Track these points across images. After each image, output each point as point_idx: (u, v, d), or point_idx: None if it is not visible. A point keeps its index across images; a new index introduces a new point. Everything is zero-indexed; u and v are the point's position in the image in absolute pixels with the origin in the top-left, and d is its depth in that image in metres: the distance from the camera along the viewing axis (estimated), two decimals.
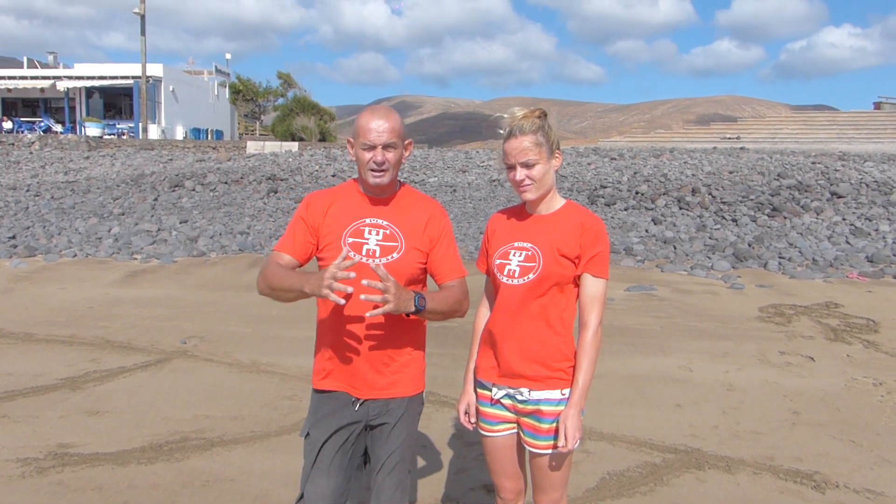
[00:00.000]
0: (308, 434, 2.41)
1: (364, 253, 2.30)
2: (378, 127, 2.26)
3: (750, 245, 11.66)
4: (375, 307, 2.11)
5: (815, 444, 4.27)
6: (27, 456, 3.99)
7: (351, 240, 2.31)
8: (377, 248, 2.31)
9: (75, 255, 10.92)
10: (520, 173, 2.33)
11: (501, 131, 2.37)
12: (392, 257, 2.31)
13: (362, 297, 2.14)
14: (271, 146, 33.18)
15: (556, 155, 2.38)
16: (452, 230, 2.48)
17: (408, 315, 2.20)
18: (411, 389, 2.42)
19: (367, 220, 2.34)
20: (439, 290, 2.40)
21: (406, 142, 2.36)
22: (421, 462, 4.00)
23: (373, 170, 2.29)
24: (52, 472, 3.80)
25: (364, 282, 2.09)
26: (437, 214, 2.42)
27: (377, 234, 2.33)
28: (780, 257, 10.76)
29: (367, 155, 2.28)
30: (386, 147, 2.27)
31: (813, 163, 22.10)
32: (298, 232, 2.36)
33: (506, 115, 2.37)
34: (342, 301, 2.06)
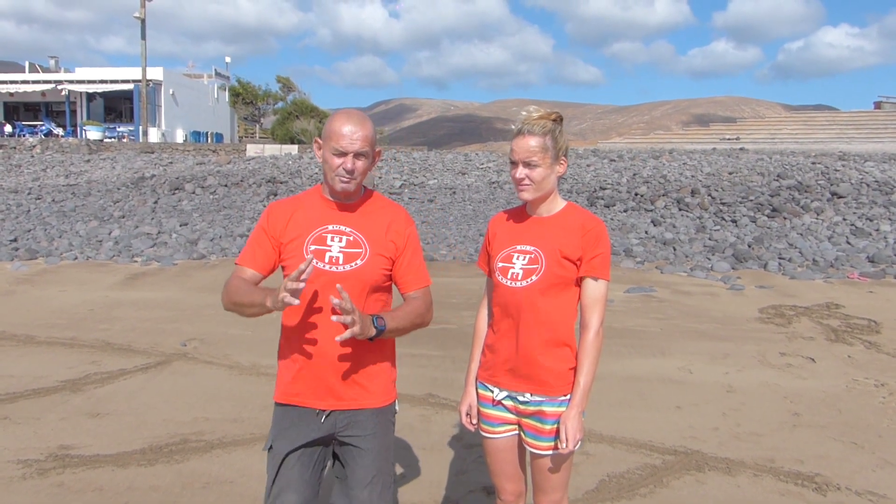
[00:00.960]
0: (271, 447, 2.32)
1: (327, 260, 2.23)
2: (352, 134, 2.20)
3: (750, 246, 11.66)
4: (344, 327, 2.07)
5: (816, 446, 4.27)
6: (28, 457, 4.00)
7: (313, 247, 2.24)
8: (340, 255, 2.24)
9: (76, 258, 10.93)
10: (520, 172, 2.34)
11: (514, 127, 2.38)
12: (356, 264, 2.24)
13: (333, 318, 2.07)
14: (271, 149, 33.20)
15: (562, 161, 2.38)
16: (418, 238, 2.43)
17: (371, 339, 2.16)
18: (381, 400, 2.34)
19: (330, 227, 2.28)
20: (402, 303, 2.34)
21: (376, 150, 2.32)
22: (420, 464, 4.00)
23: (341, 177, 2.23)
24: (52, 474, 3.80)
25: (334, 301, 2.03)
26: (401, 221, 2.36)
27: (340, 240, 2.26)
28: (780, 258, 10.76)
29: (337, 161, 2.22)
30: (357, 155, 2.22)
31: (813, 163, 22.11)
32: (259, 244, 2.30)
33: (523, 113, 2.37)
34: (296, 301, 1.99)
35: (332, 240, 2.26)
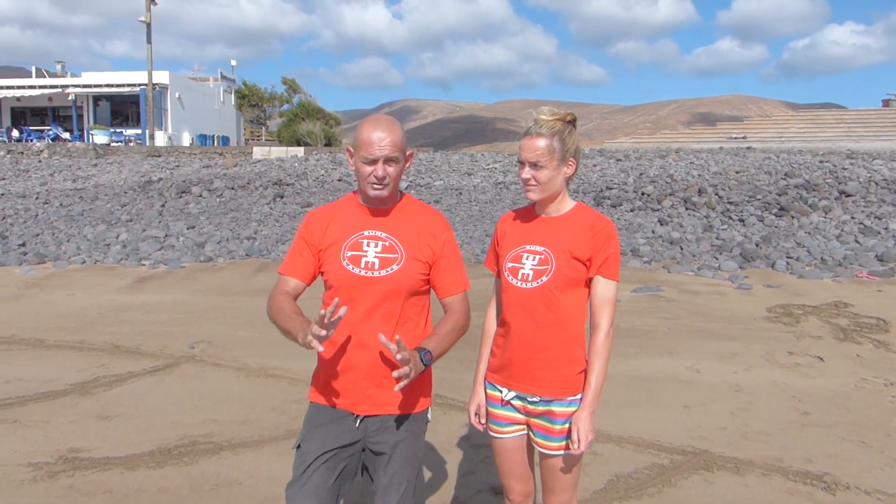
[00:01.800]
0: (300, 446, 2.31)
1: (363, 266, 2.25)
2: (380, 140, 2.20)
3: (757, 245, 11.61)
4: (398, 377, 2.06)
5: (824, 445, 4.25)
6: (38, 460, 4.02)
7: (350, 253, 2.27)
8: (376, 261, 2.25)
9: (84, 262, 10.99)
10: (526, 172, 2.35)
11: (523, 125, 2.38)
12: (391, 269, 2.25)
13: (394, 374, 2.04)
14: (277, 151, 33.29)
15: (570, 163, 2.37)
16: (456, 242, 2.42)
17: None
18: (415, 406, 2.33)
19: (366, 233, 2.29)
20: (442, 318, 2.32)
21: (407, 154, 2.31)
22: (428, 465, 4.00)
23: (373, 183, 2.24)
24: (62, 477, 3.82)
25: (382, 338, 2.07)
26: (438, 225, 2.36)
27: (376, 245, 2.28)
28: (787, 257, 10.71)
29: (368, 169, 2.22)
30: (388, 161, 2.22)
31: (821, 161, 22.01)
32: (300, 253, 2.33)
33: (539, 115, 2.37)
34: (320, 348, 2.04)
35: (368, 245, 2.27)
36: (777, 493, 3.66)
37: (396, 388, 2.06)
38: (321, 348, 2.03)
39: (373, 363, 2.25)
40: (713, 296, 8.55)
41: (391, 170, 2.23)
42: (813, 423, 4.62)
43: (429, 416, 2.41)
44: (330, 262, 2.29)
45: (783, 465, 3.98)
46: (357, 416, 2.28)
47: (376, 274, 2.24)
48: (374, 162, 2.21)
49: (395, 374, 2.03)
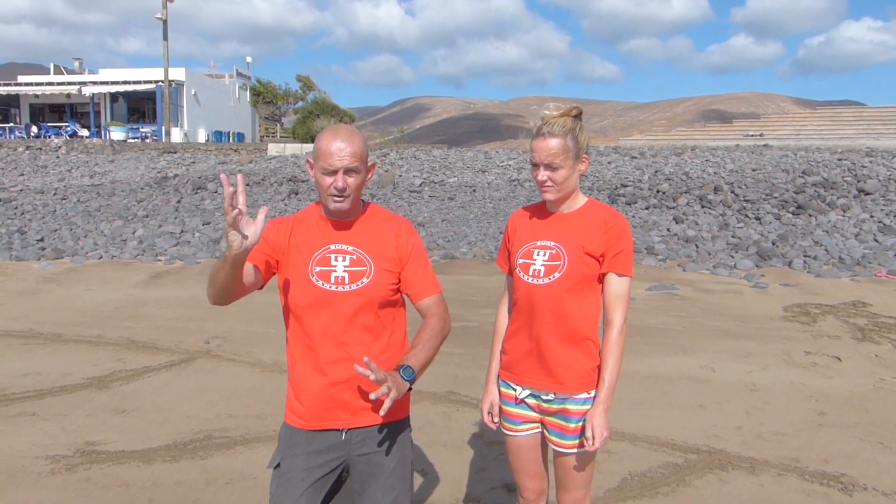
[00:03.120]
0: (279, 465, 2.22)
1: (333, 280, 2.17)
2: (339, 150, 2.11)
3: (774, 243, 11.51)
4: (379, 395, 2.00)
5: (842, 446, 4.21)
6: (56, 453, 4.07)
7: (318, 268, 2.18)
8: (346, 275, 2.18)
9: (101, 257, 11.09)
10: (542, 174, 2.31)
11: (533, 126, 2.36)
12: (362, 283, 2.19)
13: (372, 396, 1.98)
14: (292, 148, 33.41)
15: (584, 159, 2.35)
16: (423, 246, 2.37)
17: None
18: (397, 413, 2.27)
19: (332, 247, 2.21)
20: (420, 327, 2.29)
21: (369, 164, 2.24)
22: (441, 462, 4.00)
23: (333, 195, 2.15)
24: (80, 470, 3.87)
25: (357, 368, 1.98)
26: (404, 231, 2.30)
27: (344, 259, 2.20)
28: (805, 256, 10.61)
29: (328, 180, 2.13)
30: (347, 171, 2.13)
31: (839, 159, 21.78)
32: (257, 255, 2.19)
33: (544, 112, 2.34)
34: (243, 242, 1.96)
35: (336, 259, 2.20)
36: (793, 494, 3.63)
37: (381, 411, 2.00)
38: (244, 240, 1.96)
39: (352, 376, 2.16)
40: (729, 294, 8.49)
41: (351, 181, 2.14)
42: (830, 423, 4.57)
43: (410, 421, 2.37)
44: (297, 279, 2.19)
45: (799, 465, 3.94)
46: (341, 430, 2.22)
47: (347, 288, 2.17)
48: (333, 173, 2.13)
49: (371, 395, 1.97)
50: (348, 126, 2.25)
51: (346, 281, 2.18)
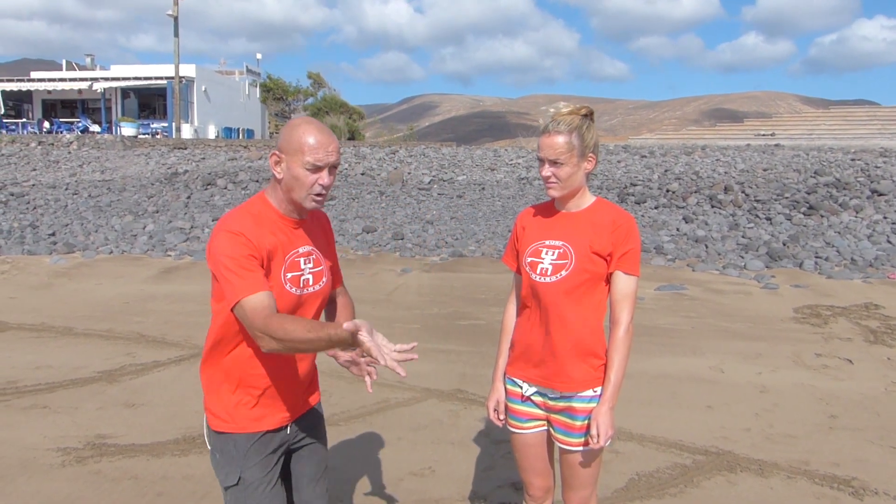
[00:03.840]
0: (239, 480, 2.10)
1: (301, 285, 2.10)
2: (328, 145, 1.98)
3: (785, 244, 11.44)
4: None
5: (853, 450, 4.18)
6: (67, 445, 4.10)
7: (290, 274, 2.07)
8: (311, 277, 2.13)
9: (111, 252, 11.15)
10: (546, 170, 2.33)
11: (542, 121, 2.37)
12: (322, 283, 2.17)
13: (368, 382, 2.15)
14: None
15: (590, 158, 2.36)
16: None
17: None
18: (317, 396, 2.37)
19: (301, 250, 2.12)
20: (339, 303, 2.41)
21: None
22: (449, 460, 4.01)
23: (318, 194, 2.02)
24: (90, 462, 3.89)
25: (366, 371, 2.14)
26: (329, 224, 2.34)
27: (308, 261, 2.13)
28: (816, 257, 10.54)
29: (313, 177, 1.99)
30: (332, 168, 2.03)
31: (852, 159, 21.63)
32: (256, 268, 1.96)
33: (552, 109, 2.37)
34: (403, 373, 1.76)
35: (305, 263, 2.13)
36: (803, 497, 3.61)
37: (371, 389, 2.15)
38: (403, 373, 1.74)
39: (309, 372, 2.25)
40: (738, 295, 8.45)
41: (332, 179, 2.04)
42: (841, 426, 4.55)
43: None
44: (272, 287, 2.03)
45: (809, 468, 3.92)
46: (289, 424, 2.21)
47: (311, 290, 2.14)
48: (320, 169, 1.99)
49: (370, 389, 2.16)
50: (318, 121, 2.13)
51: (311, 283, 2.14)
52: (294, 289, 2.07)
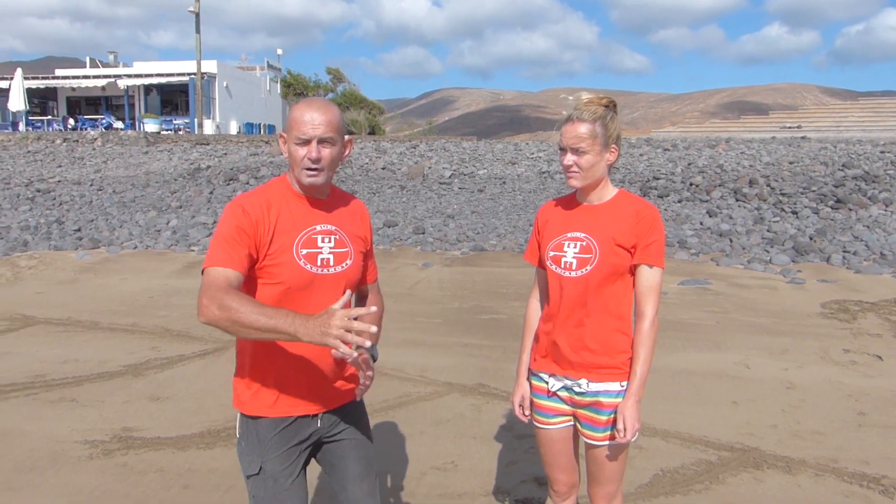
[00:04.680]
0: (260, 470, 2.11)
1: (319, 263, 2.08)
2: (313, 119, 2.01)
3: (811, 238, 11.26)
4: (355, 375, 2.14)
5: (882, 447, 4.11)
6: (94, 438, 4.16)
7: (304, 251, 2.07)
8: (331, 257, 2.10)
9: (136, 247, 11.29)
10: (568, 158, 2.31)
11: (565, 113, 2.35)
12: (346, 264, 2.13)
13: (358, 388, 2.10)
14: None
15: (612, 149, 2.33)
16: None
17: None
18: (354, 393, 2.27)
19: (318, 227, 2.11)
20: (363, 296, 2.37)
21: (346, 139, 2.15)
22: (471, 454, 4.00)
23: (308, 168, 2.04)
24: (117, 455, 3.95)
25: (337, 354, 1.82)
26: (367, 214, 2.31)
27: (329, 240, 2.11)
28: (844, 251, 10.36)
29: (302, 151, 2.03)
30: (322, 141, 2.03)
31: (882, 152, 21.21)
32: (240, 244, 1.98)
33: (571, 97, 2.35)
34: (352, 355, 1.78)
35: (323, 241, 2.11)
36: (831, 495, 3.55)
37: (357, 397, 2.11)
38: (352, 355, 1.78)
39: (329, 361, 2.13)
40: (763, 290, 8.33)
41: (326, 152, 2.04)
42: (870, 423, 4.47)
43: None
44: (282, 262, 2.04)
45: (838, 465, 3.86)
46: (317, 414, 2.17)
47: (332, 271, 2.10)
48: (307, 143, 2.03)
49: (358, 396, 2.12)
50: (323, 98, 2.23)
51: (332, 263, 2.11)
52: (310, 266, 2.07)
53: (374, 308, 1.88)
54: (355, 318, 1.74)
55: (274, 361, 2.09)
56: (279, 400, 2.11)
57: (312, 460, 2.27)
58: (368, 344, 1.74)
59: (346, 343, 1.72)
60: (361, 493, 2.24)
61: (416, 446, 4.09)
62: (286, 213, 2.08)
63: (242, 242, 1.99)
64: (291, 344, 2.01)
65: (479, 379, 5.21)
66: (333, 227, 2.14)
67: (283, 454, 2.11)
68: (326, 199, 2.17)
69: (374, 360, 2.17)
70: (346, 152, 2.17)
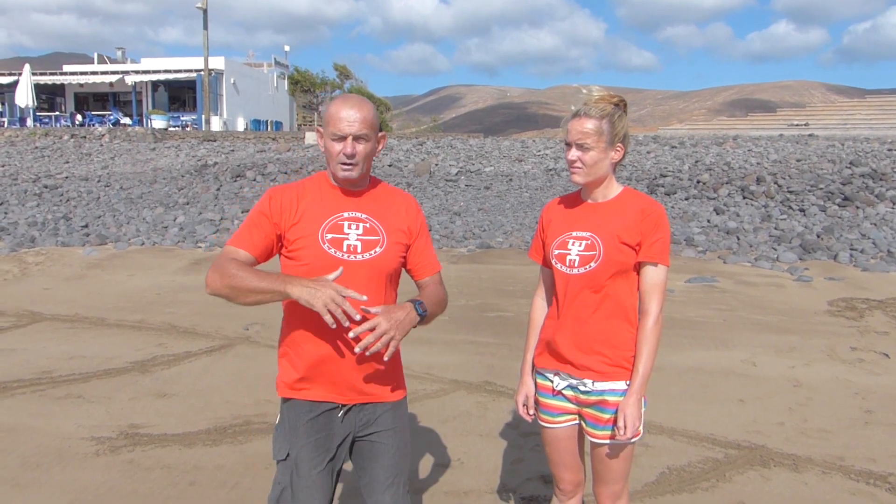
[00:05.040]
0: (287, 456, 2.18)
1: (345, 249, 2.14)
2: (349, 116, 2.10)
3: (819, 236, 11.21)
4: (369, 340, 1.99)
5: (889, 445, 4.09)
6: (101, 435, 4.18)
7: (329, 235, 2.14)
8: (358, 244, 2.15)
9: (143, 244, 11.33)
10: (573, 154, 2.30)
11: (573, 107, 2.33)
12: (375, 252, 2.16)
13: (357, 349, 2.00)
14: None
15: (618, 148, 2.32)
16: (427, 224, 2.38)
17: (415, 325, 2.10)
18: (397, 394, 2.28)
19: (346, 214, 2.18)
20: (420, 289, 2.30)
21: (380, 134, 2.22)
22: (477, 452, 4.00)
23: (342, 163, 2.13)
24: (124, 451, 3.96)
25: (351, 334, 1.98)
26: (414, 207, 2.32)
27: (357, 227, 2.17)
28: (851, 249, 10.31)
29: (337, 146, 2.12)
30: (357, 138, 2.11)
31: (889, 150, 21.09)
32: (258, 228, 2.15)
33: (584, 91, 2.33)
34: (333, 324, 1.90)
35: (350, 227, 2.17)
36: (838, 493, 3.54)
37: (386, 357, 2.03)
38: (333, 324, 1.89)
39: (355, 352, 2.08)
40: (771, 287, 8.30)
41: (360, 147, 2.13)
42: (877, 421, 4.44)
43: (407, 403, 2.37)
44: (306, 245, 2.14)
45: (845, 463, 3.84)
46: (342, 405, 2.19)
47: (359, 258, 2.14)
48: (342, 139, 2.12)
49: (356, 348, 1.99)
50: (359, 95, 2.26)
51: (359, 250, 2.15)
52: (335, 250, 2.13)
53: (365, 297, 1.96)
54: (347, 299, 1.88)
55: (304, 349, 2.17)
56: (306, 382, 2.18)
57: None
58: (346, 324, 1.91)
59: (332, 314, 1.89)
60: (385, 501, 2.24)
61: (422, 444, 4.09)
62: (316, 200, 2.19)
63: (261, 226, 2.15)
64: (320, 333, 2.11)
65: (485, 376, 5.21)
66: (363, 216, 2.20)
67: (311, 444, 2.17)
68: (362, 190, 2.25)
69: (422, 316, 2.12)
70: (380, 147, 2.25)
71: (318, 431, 2.18)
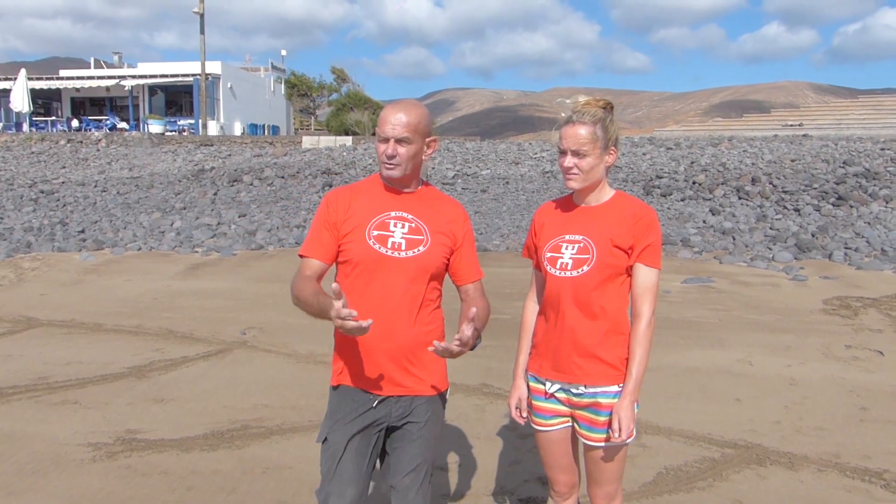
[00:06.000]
0: (326, 439, 2.33)
1: (389, 246, 2.26)
2: (393, 120, 2.23)
3: (813, 235, 11.25)
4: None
5: (884, 442, 4.11)
6: (98, 441, 4.17)
7: (376, 232, 2.27)
8: (403, 241, 2.27)
9: (140, 249, 11.32)
10: (568, 160, 2.32)
11: (564, 115, 2.36)
12: (418, 250, 2.28)
13: (430, 348, 2.17)
14: (326, 141, 33.64)
15: (611, 151, 2.35)
16: (473, 233, 2.48)
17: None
18: (436, 388, 2.37)
19: (393, 213, 2.31)
20: (464, 300, 2.43)
21: (429, 139, 2.32)
22: (475, 454, 4.01)
23: (385, 163, 2.28)
24: (120, 457, 3.96)
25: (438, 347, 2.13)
26: (461, 214, 2.43)
27: (402, 226, 2.29)
28: (846, 248, 10.35)
29: (382, 147, 2.27)
30: (399, 141, 2.23)
31: (882, 149, 21.14)
32: (324, 234, 2.31)
33: (570, 101, 2.37)
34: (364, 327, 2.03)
35: (395, 225, 2.29)
36: (833, 490, 3.55)
37: (444, 350, 2.15)
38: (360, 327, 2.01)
39: (396, 345, 2.27)
40: (766, 287, 8.33)
41: (402, 150, 2.24)
42: (872, 418, 4.47)
43: (447, 395, 2.45)
44: (353, 241, 2.28)
45: (840, 461, 3.86)
46: (377, 396, 2.30)
47: (402, 255, 2.26)
48: (386, 140, 2.25)
49: (430, 348, 2.15)
50: (414, 101, 2.36)
51: (403, 247, 2.26)
52: (379, 246, 2.26)
53: (355, 312, 2.02)
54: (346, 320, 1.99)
55: (347, 343, 2.30)
56: (346, 371, 2.33)
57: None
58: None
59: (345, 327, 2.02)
60: (405, 485, 2.32)
61: None
62: (367, 199, 2.34)
63: (324, 229, 2.32)
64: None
65: (482, 379, 5.22)
66: (409, 216, 2.32)
67: (345, 427, 2.29)
68: (411, 192, 2.37)
69: (474, 349, 2.25)
70: (430, 151, 2.35)
71: (351, 415, 2.30)
